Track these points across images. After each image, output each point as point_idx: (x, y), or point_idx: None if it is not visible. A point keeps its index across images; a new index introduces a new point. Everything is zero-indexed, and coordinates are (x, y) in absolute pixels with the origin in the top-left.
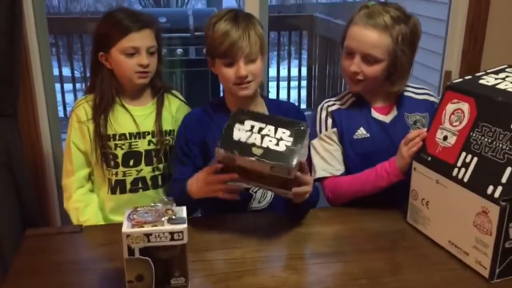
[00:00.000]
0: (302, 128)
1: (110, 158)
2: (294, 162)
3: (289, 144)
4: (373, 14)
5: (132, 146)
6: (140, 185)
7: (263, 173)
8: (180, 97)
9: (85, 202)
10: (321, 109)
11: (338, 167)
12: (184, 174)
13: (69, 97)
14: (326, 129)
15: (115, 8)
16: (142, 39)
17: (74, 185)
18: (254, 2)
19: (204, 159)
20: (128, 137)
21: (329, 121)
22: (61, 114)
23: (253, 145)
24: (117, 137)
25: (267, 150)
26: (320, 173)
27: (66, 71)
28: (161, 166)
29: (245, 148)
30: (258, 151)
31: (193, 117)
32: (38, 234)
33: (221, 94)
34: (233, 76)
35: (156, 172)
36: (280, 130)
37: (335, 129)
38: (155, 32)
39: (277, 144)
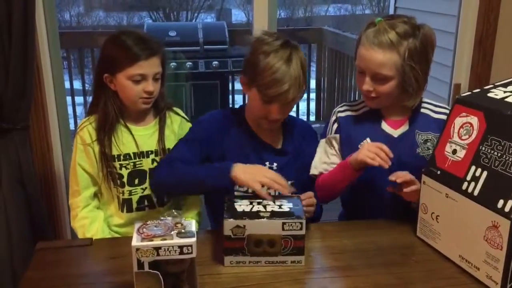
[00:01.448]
0: (296, 197)
1: (116, 177)
2: (303, 216)
3: (291, 206)
4: (379, 33)
5: (137, 165)
6: (146, 203)
7: (274, 239)
8: (181, 113)
9: (91, 219)
10: (333, 113)
11: (327, 168)
12: (187, 157)
13: (80, 110)
14: (331, 133)
15: (123, 30)
16: (149, 66)
17: (80, 204)
18: (263, 16)
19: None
20: (132, 157)
21: (335, 126)
22: (72, 127)
23: (259, 212)
24: (121, 157)
25: (273, 212)
26: (311, 170)
27: (77, 84)
28: None
29: (253, 214)
30: (266, 214)
31: (216, 119)
32: (48, 247)
33: (230, 105)
34: (266, 113)
35: None
36: (277, 201)
37: (337, 135)
38: (161, 59)
39: (280, 208)
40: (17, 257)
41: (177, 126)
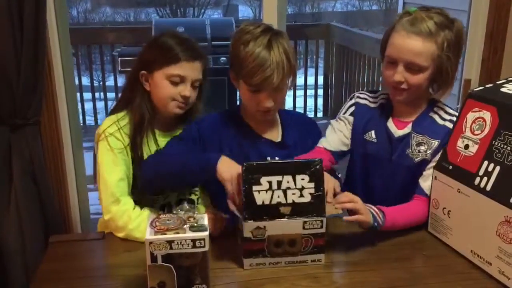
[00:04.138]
0: (317, 166)
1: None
2: (325, 214)
3: (312, 191)
4: (416, 21)
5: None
6: (165, 211)
7: (294, 238)
8: None
9: (146, 212)
10: (353, 96)
11: (331, 143)
12: (175, 152)
13: (88, 106)
14: (345, 113)
15: (166, 32)
16: (191, 69)
17: (128, 207)
18: (272, 12)
19: None
20: None
21: (352, 109)
22: (80, 122)
23: (279, 204)
24: None
25: (294, 206)
26: (319, 142)
27: (85, 81)
28: (186, 190)
29: (273, 211)
30: (286, 210)
31: (211, 120)
32: (62, 240)
33: (238, 103)
34: (256, 104)
35: (181, 197)
36: (298, 177)
37: (352, 118)
38: (203, 67)
39: (301, 195)
40: (29, 251)
41: None
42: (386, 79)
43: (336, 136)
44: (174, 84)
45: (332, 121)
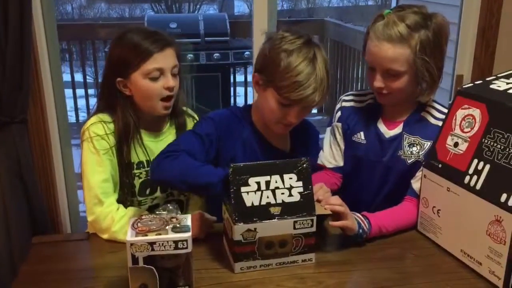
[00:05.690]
0: (304, 164)
1: (126, 187)
2: (315, 212)
3: (301, 190)
4: (387, 26)
5: (149, 174)
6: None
7: (285, 239)
8: (193, 114)
9: (131, 211)
10: (339, 100)
11: (329, 159)
12: (194, 150)
13: (81, 102)
14: (334, 121)
15: (128, 29)
16: (165, 59)
17: (112, 208)
18: (262, 7)
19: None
20: (145, 165)
21: (338, 114)
22: (73, 119)
23: (269, 204)
24: (135, 165)
25: (284, 206)
26: (320, 160)
27: (79, 77)
28: (175, 191)
29: (263, 211)
30: (276, 210)
31: (227, 121)
32: (45, 241)
33: (232, 100)
34: (281, 117)
35: (170, 198)
36: (286, 177)
37: (340, 124)
38: (176, 51)
39: (290, 195)
40: (16, 251)
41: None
42: (369, 84)
43: (333, 152)
44: (154, 80)
45: (327, 131)
